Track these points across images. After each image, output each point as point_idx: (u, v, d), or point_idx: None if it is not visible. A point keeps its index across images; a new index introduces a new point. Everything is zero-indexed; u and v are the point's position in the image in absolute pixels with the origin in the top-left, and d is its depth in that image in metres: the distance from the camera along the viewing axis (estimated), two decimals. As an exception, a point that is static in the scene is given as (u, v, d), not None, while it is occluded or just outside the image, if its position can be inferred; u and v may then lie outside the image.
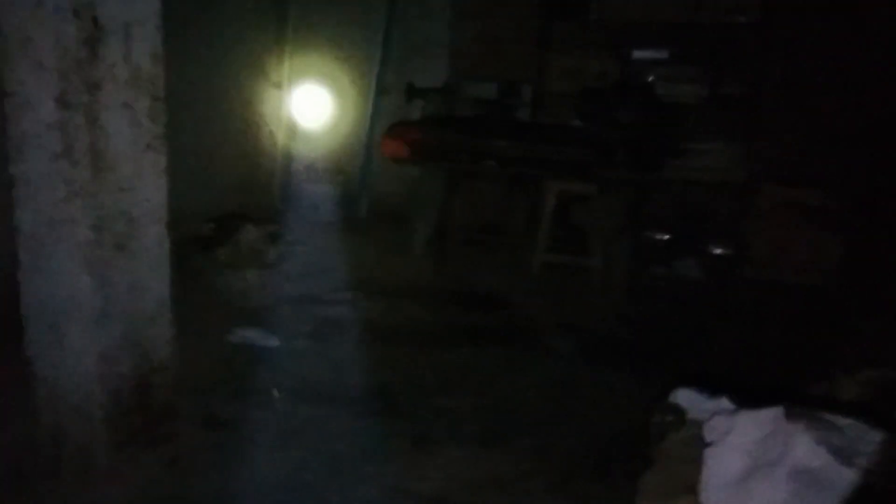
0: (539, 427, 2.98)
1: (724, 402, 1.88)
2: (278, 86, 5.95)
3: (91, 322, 2.32)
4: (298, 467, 2.61)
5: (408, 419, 2.99)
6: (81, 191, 2.23)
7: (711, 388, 2.05)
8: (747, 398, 1.86)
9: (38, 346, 2.39)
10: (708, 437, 1.75)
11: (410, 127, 4.59)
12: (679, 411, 1.92)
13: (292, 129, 6.13)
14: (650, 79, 5.17)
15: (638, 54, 5.31)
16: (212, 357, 3.40)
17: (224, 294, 4.07)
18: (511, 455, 2.74)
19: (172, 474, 2.53)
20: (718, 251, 5.18)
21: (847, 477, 1.58)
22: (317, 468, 2.62)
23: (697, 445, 1.77)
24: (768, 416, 1.70)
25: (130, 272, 2.42)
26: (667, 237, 5.25)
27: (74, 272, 2.28)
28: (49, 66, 2.16)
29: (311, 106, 6.00)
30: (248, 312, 3.92)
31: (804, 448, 1.61)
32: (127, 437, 2.49)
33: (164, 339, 2.60)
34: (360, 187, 5.77)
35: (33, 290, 2.34)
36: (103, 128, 2.26)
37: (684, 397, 1.93)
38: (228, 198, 5.19)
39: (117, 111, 2.30)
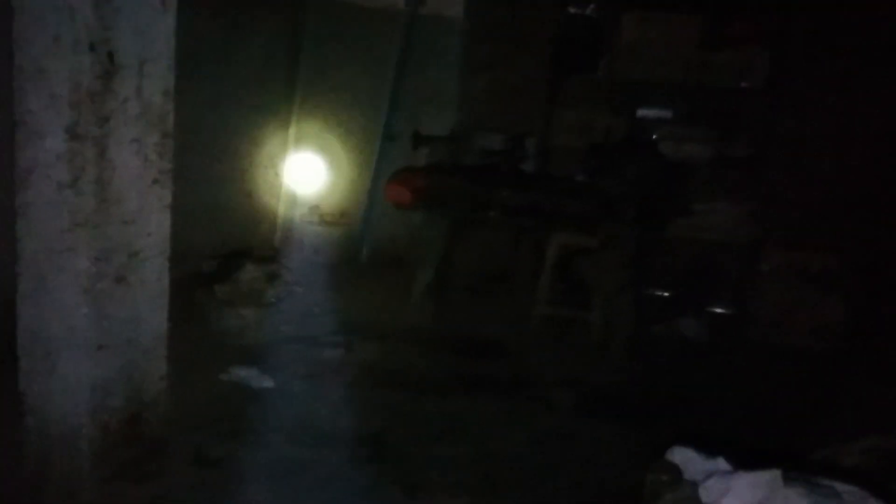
0: (533, 480, 2.93)
1: (721, 463, 1.85)
2: (286, 128, 6.02)
3: (86, 353, 2.31)
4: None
5: (401, 466, 2.95)
6: (85, 221, 2.25)
7: (709, 448, 2.01)
8: (745, 460, 1.83)
9: (30, 375, 2.37)
10: (704, 498, 1.72)
11: (415, 173, 4.62)
12: (674, 470, 1.88)
13: (298, 172, 6.18)
14: (654, 137, 5.22)
15: (642, 112, 5.38)
16: (205, 395, 3.37)
17: (221, 332, 4.06)
18: (504, 508, 2.70)
19: (159, 512, 2.48)
20: (721, 311, 5.16)
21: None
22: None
23: (692, 506, 1.73)
24: (765, 479, 1.67)
25: (129, 305, 2.42)
26: (669, 295, 5.23)
27: (73, 302, 2.28)
28: (61, 98, 2.19)
29: (317, 150, 6.06)
30: (244, 351, 3.90)
31: (801, 513, 1.58)
32: (114, 471, 2.46)
33: (158, 374, 2.59)
34: (362, 231, 5.79)
35: (30, 318, 2.33)
36: (111, 161, 2.29)
37: (680, 456, 1.90)
38: (230, 236, 5.20)
39: (126, 145, 2.33)
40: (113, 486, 2.46)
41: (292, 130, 6.03)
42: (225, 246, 4.61)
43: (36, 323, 2.33)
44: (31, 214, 2.28)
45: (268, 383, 3.58)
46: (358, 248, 5.75)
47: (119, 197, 2.33)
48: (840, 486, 1.68)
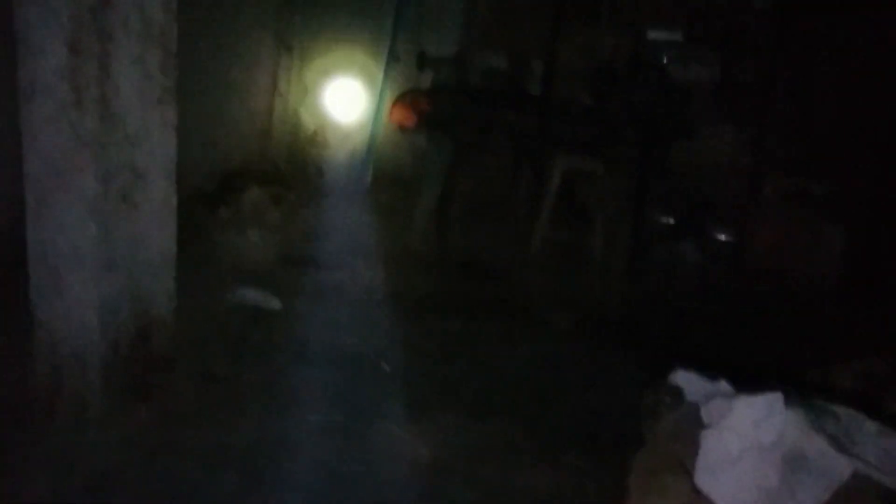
0: (531, 400, 3.00)
1: (723, 386, 1.89)
2: (289, 48, 5.90)
3: (94, 272, 2.33)
4: (292, 427, 2.63)
5: (403, 385, 3.01)
6: (90, 141, 2.22)
7: (709, 370, 2.05)
8: (745, 382, 1.87)
9: (39, 292, 2.39)
10: (705, 419, 1.76)
11: (420, 95, 4.55)
12: (676, 392, 1.93)
13: (301, 93, 6.08)
14: (663, 60, 5.13)
15: (652, 34, 5.26)
16: (211, 314, 3.40)
17: (225, 253, 4.07)
18: (502, 426, 2.76)
19: (165, 425, 2.54)
20: (721, 237, 5.18)
21: (841, 464, 1.59)
22: (311, 428, 2.64)
23: (692, 426, 1.78)
24: (766, 401, 1.71)
25: (135, 224, 2.42)
26: (670, 220, 5.24)
27: (79, 221, 2.28)
28: (61, 12, 2.13)
29: (321, 71, 5.95)
30: (248, 272, 3.92)
31: (800, 434, 1.63)
32: (123, 386, 2.51)
33: (166, 292, 2.61)
34: (366, 154, 5.74)
35: (38, 235, 2.34)
36: (114, 79, 2.25)
37: (683, 379, 1.94)
38: (233, 157, 5.17)
39: (129, 62, 2.29)
40: (122, 401, 2.51)
41: (295, 50, 5.90)
42: (227, 166, 4.58)
43: (43, 241, 2.34)
44: (34, 133, 2.25)
45: (274, 304, 3.61)
46: (362, 171, 5.71)
47: (123, 116, 2.30)
48: (838, 409, 1.73)
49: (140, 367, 2.56)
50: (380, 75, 5.67)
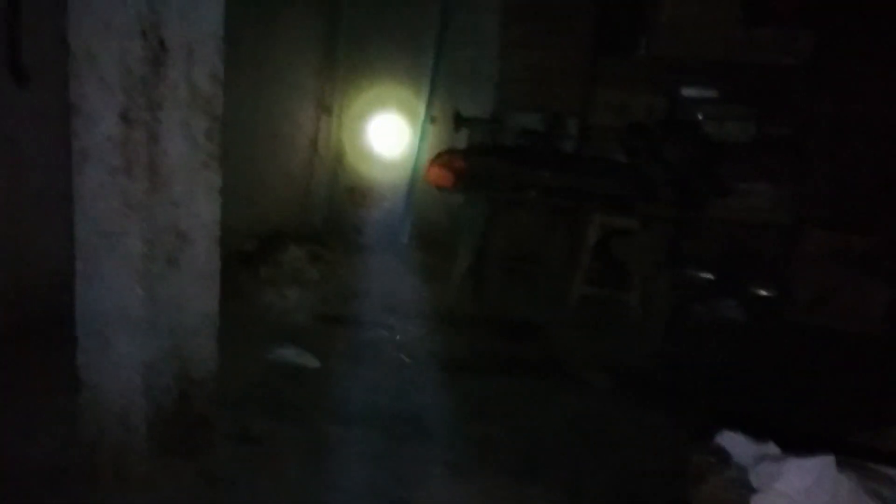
0: (572, 461, 2.94)
1: (771, 447, 1.84)
2: (327, 110, 6.06)
3: (138, 333, 2.37)
4: (329, 487, 2.62)
5: (441, 445, 2.98)
6: (137, 205, 2.29)
7: (753, 431, 2.01)
8: (792, 444, 1.82)
9: (85, 353, 2.44)
10: (755, 483, 1.71)
11: (456, 155, 4.62)
12: (722, 453, 1.88)
13: (339, 153, 6.22)
14: (697, 116, 5.15)
15: (683, 91, 5.29)
16: (249, 373, 3.43)
17: (264, 311, 4.12)
18: (543, 488, 2.71)
19: (205, 485, 2.55)
20: (761, 293, 5.10)
21: (896, 531, 1.54)
22: (347, 489, 2.62)
23: (741, 490, 1.73)
24: (817, 464, 1.66)
25: (179, 286, 2.46)
26: (709, 276, 5.19)
27: (126, 283, 2.33)
28: (113, 84, 2.22)
29: (359, 131, 6.09)
30: (286, 331, 3.96)
31: (853, 499, 1.58)
32: (164, 446, 2.53)
33: (207, 353, 2.65)
34: (403, 213, 5.82)
35: (86, 298, 2.39)
36: (162, 145, 2.32)
37: (728, 440, 1.90)
38: (272, 217, 5.28)
39: (176, 129, 2.36)
40: (163, 461, 2.53)
41: (334, 112, 6.06)
42: (266, 226, 4.68)
43: (91, 302, 2.39)
44: (85, 198, 2.33)
45: (311, 362, 3.63)
46: (399, 230, 5.78)
47: (169, 180, 2.37)
48: (891, 472, 1.67)
49: (182, 427, 2.58)
50: (416, 136, 5.78)
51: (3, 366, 3.22)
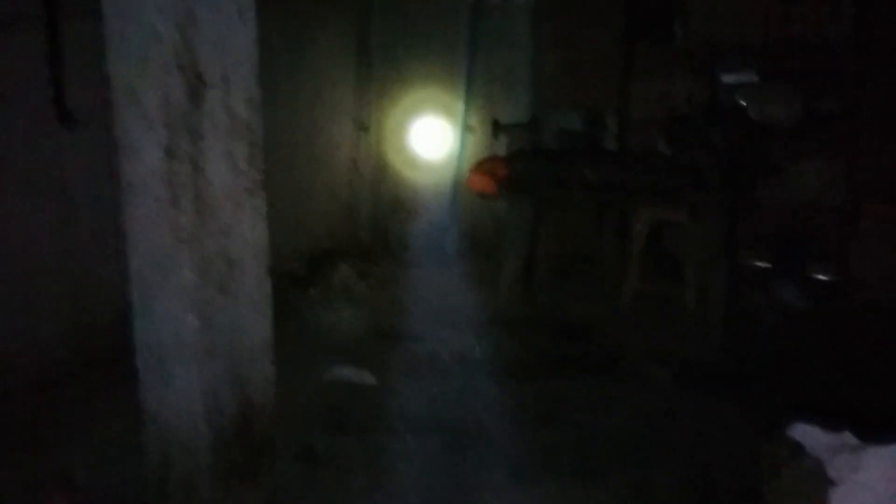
0: (638, 460, 2.90)
1: (847, 437, 1.77)
2: (365, 127, 6.10)
3: (196, 361, 2.40)
4: (393, 499, 2.62)
5: (503, 451, 2.96)
6: (186, 235, 2.32)
7: (825, 420, 1.93)
8: (869, 433, 1.75)
9: (147, 384, 2.48)
10: (832, 475, 1.64)
11: (497, 162, 4.60)
12: (795, 445, 1.82)
13: (379, 168, 6.26)
14: (740, 100, 5.04)
15: (726, 76, 5.18)
16: (308, 393, 3.46)
17: (318, 331, 4.15)
18: (609, 489, 2.67)
19: (273, 508, 2.57)
20: (821, 276, 4.96)
21: None
22: (412, 501, 2.62)
23: (818, 483, 1.67)
24: (897, 453, 1.59)
25: (233, 312, 2.49)
26: (765, 263, 5.06)
27: (180, 313, 2.37)
28: (154, 118, 2.26)
29: (397, 145, 6.13)
30: (341, 348, 3.98)
31: (940, 486, 1.50)
32: (229, 470, 2.55)
33: (265, 376, 2.67)
34: (447, 223, 5.82)
35: (143, 330, 2.44)
36: (206, 175, 2.35)
37: (801, 431, 1.83)
38: (319, 236, 5.33)
39: (218, 158, 2.39)
40: (228, 485, 2.55)
41: (371, 128, 6.11)
42: (313, 246, 4.72)
43: (148, 334, 2.43)
44: (135, 232, 2.37)
45: (368, 379, 3.64)
46: (444, 240, 5.78)
47: (216, 209, 2.40)
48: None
49: (245, 451, 2.60)
50: (455, 146, 5.78)
51: (71, 401, 3.32)
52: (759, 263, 5.05)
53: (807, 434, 1.81)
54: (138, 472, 2.58)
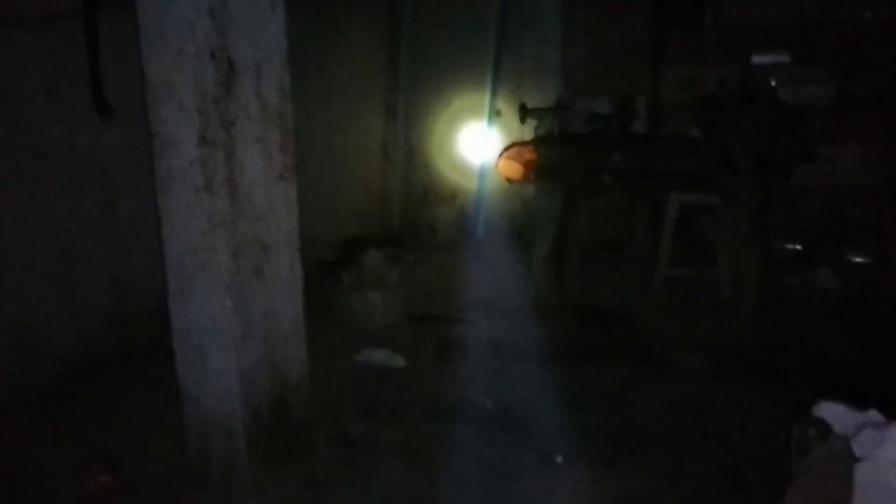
0: (669, 445, 2.89)
1: (873, 415, 1.77)
2: (395, 113, 6.14)
3: (232, 343, 2.47)
4: (427, 484, 2.65)
5: (534, 437, 2.97)
6: (221, 221, 2.39)
7: (856, 401, 1.93)
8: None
9: (185, 367, 2.56)
10: (857, 451, 1.65)
11: (525, 147, 4.59)
12: (823, 425, 1.82)
13: (409, 155, 6.30)
14: (772, 83, 4.97)
15: (757, 59, 5.11)
16: (341, 377, 3.52)
17: (349, 316, 4.21)
18: (640, 474, 2.68)
19: (308, 489, 2.63)
20: (857, 259, 4.88)
21: None
22: (445, 485, 2.65)
23: (844, 460, 1.67)
24: (923, 429, 1.59)
25: (267, 296, 2.55)
26: (799, 247, 5.00)
27: (217, 297, 2.44)
28: (189, 106, 2.33)
29: (427, 131, 6.16)
30: (373, 334, 4.03)
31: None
32: (266, 452, 2.62)
33: (298, 358, 2.73)
34: (476, 208, 5.84)
35: (180, 314, 2.51)
36: (239, 161, 2.42)
37: (828, 411, 1.83)
38: (350, 222, 5.39)
39: (251, 145, 2.45)
40: (266, 466, 2.62)
41: (400, 114, 6.15)
42: (344, 232, 4.78)
43: (186, 318, 2.51)
44: (172, 218, 2.45)
45: (399, 363, 3.69)
46: (474, 225, 5.81)
47: (249, 195, 2.46)
48: None
49: (281, 433, 2.67)
50: (483, 131, 5.79)
51: (114, 387, 3.42)
52: (794, 247, 4.99)
53: (833, 412, 1.81)
54: (179, 453, 2.66)
